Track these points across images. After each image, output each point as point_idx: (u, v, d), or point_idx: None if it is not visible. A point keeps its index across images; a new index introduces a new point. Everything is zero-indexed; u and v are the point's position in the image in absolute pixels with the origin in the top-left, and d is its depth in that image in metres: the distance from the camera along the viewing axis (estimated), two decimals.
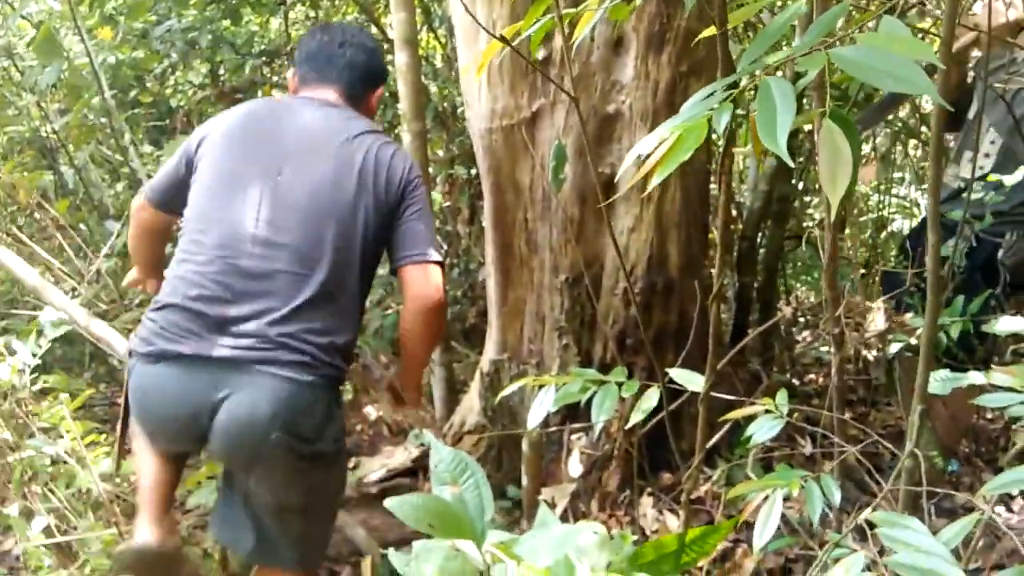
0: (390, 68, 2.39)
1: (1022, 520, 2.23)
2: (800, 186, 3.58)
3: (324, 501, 1.80)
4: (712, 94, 0.81)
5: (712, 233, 2.93)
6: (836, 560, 1.09)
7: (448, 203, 3.65)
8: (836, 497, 1.14)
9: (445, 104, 3.59)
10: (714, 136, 3.67)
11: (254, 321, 1.63)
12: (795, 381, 3.11)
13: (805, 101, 2.51)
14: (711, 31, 1.05)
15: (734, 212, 3.40)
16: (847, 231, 4.10)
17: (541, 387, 1.41)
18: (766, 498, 1.16)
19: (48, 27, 3.07)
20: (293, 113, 1.84)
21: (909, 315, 2.34)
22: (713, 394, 1.36)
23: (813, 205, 4.08)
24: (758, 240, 3.20)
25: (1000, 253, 2.37)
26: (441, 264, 1.82)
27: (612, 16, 1.10)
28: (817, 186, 4.12)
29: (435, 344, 2.01)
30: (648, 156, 0.79)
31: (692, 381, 1.34)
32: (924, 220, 2.86)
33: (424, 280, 1.78)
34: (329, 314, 1.69)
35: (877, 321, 2.19)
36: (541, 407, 1.32)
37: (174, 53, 3.63)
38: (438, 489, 1.24)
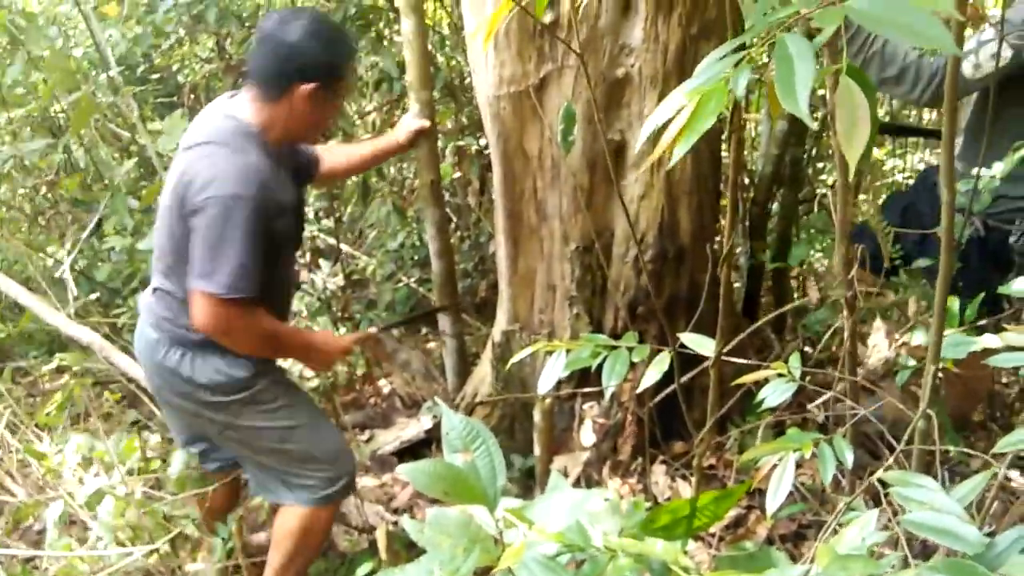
0: (396, 38, 2.36)
1: None
2: (813, 151, 3.53)
3: (252, 438, 2.04)
4: (725, 56, 0.79)
5: (724, 199, 2.90)
6: (848, 523, 1.09)
7: (458, 174, 3.63)
8: (849, 459, 1.13)
9: (453, 74, 3.55)
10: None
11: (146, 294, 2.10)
12: (807, 348, 3.10)
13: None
14: None
15: (746, 179, 3.36)
16: (861, 196, 4.05)
17: (551, 354, 1.41)
18: (778, 463, 1.15)
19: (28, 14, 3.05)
20: (203, 113, 2.00)
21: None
22: (724, 359, 1.35)
23: (826, 170, 4.03)
24: (770, 206, 3.16)
25: (1012, 239, 2.23)
26: (212, 296, 1.80)
27: None
28: (830, 151, 4.07)
29: (257, 348, 1.95)
30: (666, 125, 0.77)
31: (703, 346, 1.33)
32: (912, 187, 2.72)
33: (193, 306, 1.85)
34: (171, 301, 1.98)
35: (880, 347, 2.10)
36: (552, 372, 1.32)
37: (181, 28, 3.61)
38: (450, 456, 1.24)
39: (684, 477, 2.50)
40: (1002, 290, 1.62)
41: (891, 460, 1.00)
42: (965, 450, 1.01)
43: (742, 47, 0.80)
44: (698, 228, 2.49)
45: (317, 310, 3.58)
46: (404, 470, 1.10)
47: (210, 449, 2.23)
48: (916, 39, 0.69)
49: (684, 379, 1.43)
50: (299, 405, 2.09)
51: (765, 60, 0.92)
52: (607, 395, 2.33)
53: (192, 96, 3.68)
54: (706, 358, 1.41)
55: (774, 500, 1.14)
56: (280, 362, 2.25)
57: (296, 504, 2.08)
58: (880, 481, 0.96)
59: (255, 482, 2.18)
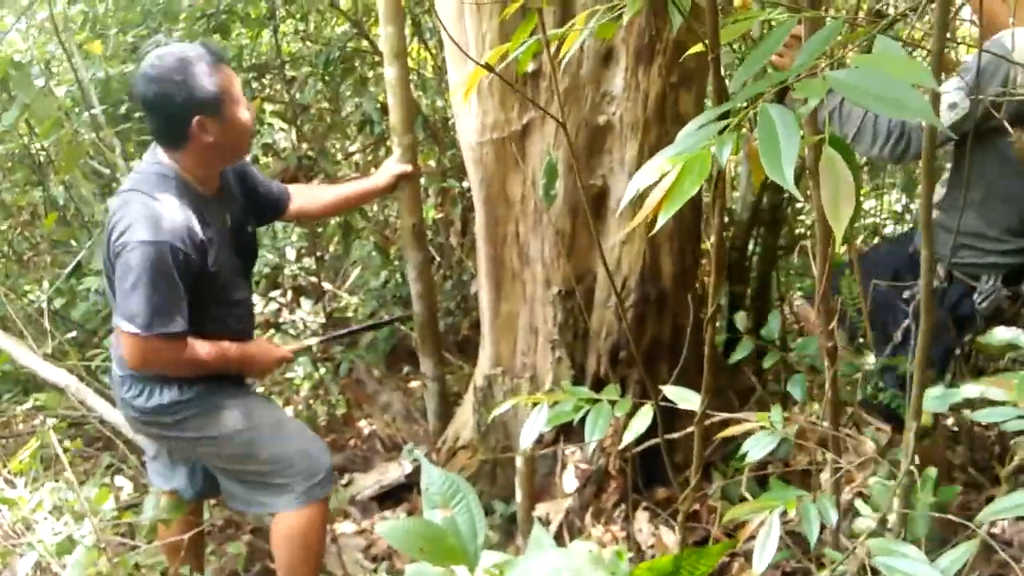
0: (379, 80, 2.37)
1: (1017, 531, 2.22)
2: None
3: (221, 447, 2.13)
4: (708, 122, 0.80)
5: (705, 244, 2.92)
6: None
7: (440, 215, 3.64)
8: (832, 518, 1.12)
9: (436, 116, 3.57)
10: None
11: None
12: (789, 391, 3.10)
13: None
14: (699, 47, 1.05)
15: (726, 219, 3.39)
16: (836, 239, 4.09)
17: (534, 404, 1.40)
18: (763, 520, 1.14)
19: (6, 59, 3.05)
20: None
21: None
22: (712, 414, 1.35)
23: (805, 211, 4.07)
24: (750, 248, 3.19)
25: (977, 299, 2.15)
26: (135, 335, 1.91)
27: (599, 35, 1.09)
28: (808, 192, 4.12)
29: (190, 372, 2.06)
30: (650, 188, 0.77)
31: (686, 399, 1.33)
32: (871, 250, 2.66)
33: (122, 345, 1.97)
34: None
35: (864, 446, 2.09)
36: (534, 427, 1.31)
37: None
38: (429, 512, 1.22)
39: (668, 524, 2.48)
40: (981, 340, 1.63)
41: (874, 525, 0.99)
42: (944, 515, 1.01)
43: (726, 114, 0.81)
44: (680, 272, 2.50)
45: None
46: (380, 529, 1.08)
47: (190, 473, 2.30)
48: (897, 111, 0.69)
49: (668, 435, 1.42)
50: (257, 409, 2.17)
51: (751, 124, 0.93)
52: (593, 442, 2.31)
53: None
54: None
55: (761, 560, 1.13)
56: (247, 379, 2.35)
57: (285, 509, 2.14)
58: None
59: (241, 500, 2.23)
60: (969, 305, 2.16)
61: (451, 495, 1.26)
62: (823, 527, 1.97)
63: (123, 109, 3.87)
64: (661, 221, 0.74)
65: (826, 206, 0.70)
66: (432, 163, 3.52)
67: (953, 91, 1.97)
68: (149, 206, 1.92)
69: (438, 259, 4.03)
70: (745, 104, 0.76)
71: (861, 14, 2.98)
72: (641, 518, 2.46)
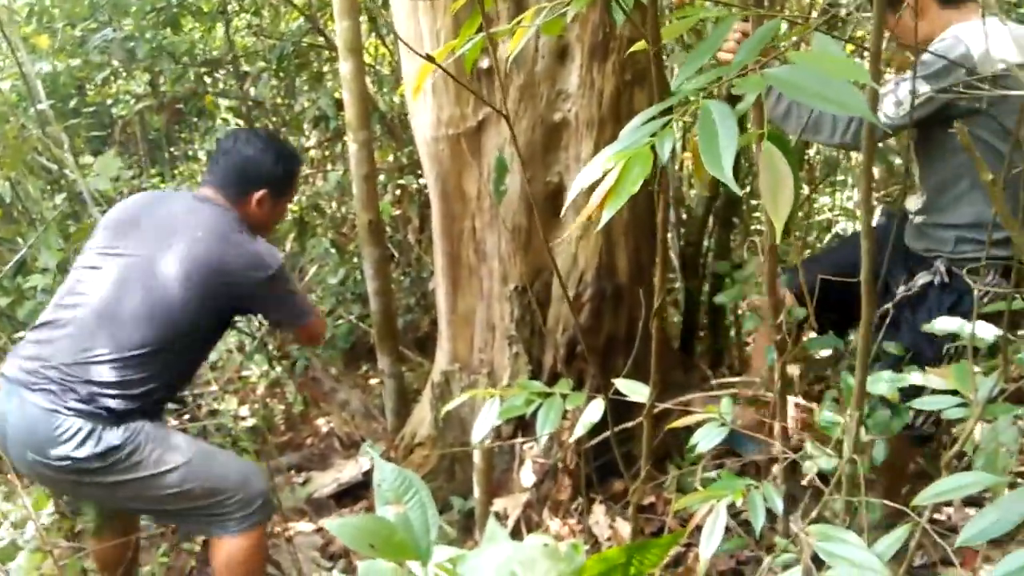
0: (335, 78, 2.37)
1: (961, 517, 2.28)
2: (747, 190, 3.63)
3: (149, 489, 1.99)
4: (651, 119, 0.81)
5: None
6: (784, 567, 1.10)
7: (399, 212, 3.62)
8: (778, 505, 1.15)
9: (393, 112, 3.56)
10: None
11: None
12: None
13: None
14: (644, 45, 1.06)
15: (684, 216, 3.43)
16: (793, 234, 4.17)
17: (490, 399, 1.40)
18: (711, 509, 1.16)
19: None
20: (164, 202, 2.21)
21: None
22: (661, 401, 1.37)
23: (760, 207, 4.14)
24: (705, 244, 3.23)
25: (977, 296, 2.11)
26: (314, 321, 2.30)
27: (546, 32, 1.10)
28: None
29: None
30: (595, 185, 0.78)
31: (637, 392, 1.34)
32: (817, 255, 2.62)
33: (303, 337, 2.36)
34: (105, 370, 1.99)
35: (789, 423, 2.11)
36: (485, 422, 1.31)
37: (116, 61, 3.54)
38: (381, 509, 1.21)
39: (624, 516, 2.50)
40: (926, 328, 1.66)
41: (816, 512, 1.02)
42: (884, 501, 1.04)
43: (669, 110, 0.82)
44: (636, 268, 2.53)
45: (254, 349, 3.51)
46: (331, 526, 1.07)
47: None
48: (833, 107, 0.71)
49: (619, 428, 1.43)
50: (182, 445, 2.08)
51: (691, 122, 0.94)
52: (544, 436, 2.32)
53: (125, 130, 3.61)
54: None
55: (708, 546, 1.15)
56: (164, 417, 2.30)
57: (225, 536, 2.08)
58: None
59: (182, 532, 2.21)
60: (970, 302, 2.11)
61: (403, 491, 1.25)
62: (775, 518, 2.01)
63: (71, 104, 3.79)
64: (605, 217, 0.75)
65: (765, 198, 0.72)
66: (390, 159, 3.50)
67: (904, 88, 2.01)
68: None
69: (397, 256, 4.01)
70: (687, 100, 0.77)
71: (815, 13, 3.04)
72: (598, 511, 2.48)
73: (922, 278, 2.15)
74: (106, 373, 1.93)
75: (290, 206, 3.70)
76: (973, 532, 0.76)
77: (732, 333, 3.33)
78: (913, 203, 2.24)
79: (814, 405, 2.31)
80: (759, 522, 1.11)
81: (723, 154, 0.68)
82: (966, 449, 1.34)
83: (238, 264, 2.06)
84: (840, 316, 2.24)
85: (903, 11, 2.06)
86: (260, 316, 2.29)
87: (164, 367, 2.01)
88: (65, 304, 2.03)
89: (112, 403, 1.92)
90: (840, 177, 4.76)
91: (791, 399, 2.39)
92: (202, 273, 2.02)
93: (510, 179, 2.28)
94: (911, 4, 2.07)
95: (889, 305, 1.85)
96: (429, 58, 0.97)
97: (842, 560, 0.78)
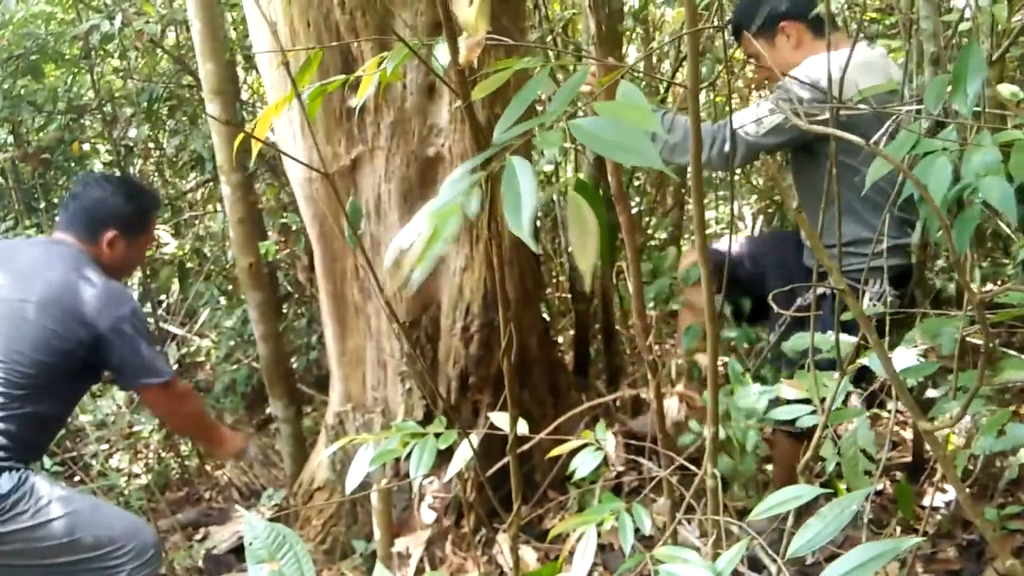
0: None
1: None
2: (640, 207, 3.73)
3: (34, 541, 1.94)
4: (463, 176, 0.83)
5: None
6: None
7: (286, 251, 3.56)
8: (647, 525, 1.18)
9: (272, 151, 3.50)
10: (547, 168, 3.72)
11: None
12: (644, 396, 3.21)
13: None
14: (487, 86, 1.08)
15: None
16: (681, 247, 4.30)
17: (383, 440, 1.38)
18: (583, 535, 1.18)
19: None
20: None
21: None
22: (533, 437, 1.38)
23: (651, 225, 4.26)
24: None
25: (867, 303, 2.09)
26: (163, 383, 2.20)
27: (383, 80, 1.11)
28: (653, 206, 4.31)
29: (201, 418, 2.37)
30: (407, 250, 0.78)
31: (506, 424, 1.35)
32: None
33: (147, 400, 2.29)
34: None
35: (672, 408, 2.19)
36: (359, 468, 1.30)
37: None
38: (254, 569, 1.19)
39: (529, 543, 2.51)
40: (786, 345, 1.75)
41: (668, 533, 1.05)
42: (735, 522, 1.08)
43: (488, 162, 0.84)
44: (522, 295, 2.56)
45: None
46: None
47: None
48: (627, 157, 0.74)
49: (498, 465, 1.44)
50: (68, 496, 2.04)
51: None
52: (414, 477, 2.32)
53: None
54: (537, 424, 1.44)
55: (580, 570, 1.17)
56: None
57: None
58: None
59: None
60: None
61: (277, 548, 1.23)
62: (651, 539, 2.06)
63: None
64: (416, 280, 0.75)
65: (573, 245, 0.75)
66: (270, 198, 3.44)
67: (764, 107, 2.13)
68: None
69: (293, 294, 3.93)
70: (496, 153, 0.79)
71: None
72: (502, 540, 2.48)
73: (819, 290, 2.25)
74: None
75: (172, 249, 3.61)
76: (800, 543, 0.80)
77: (627, 350, 3.41)
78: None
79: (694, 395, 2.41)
80: (628, 543, 1.14)
81: (523, 212, 0.70)
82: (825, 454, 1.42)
83: (91, 302, 2.06)
84: (750, 299, 2.44)
85: (776, 41, 2.23)
86: (115, 370, 2.17)
87: (33, 412, 2.01)
88: None
89: None
90: (723, 192, 4.95)
91: (679, 388, 2.48)
92: (55, 314, 2.03)
93: (388, 217, 2.28)
94: (788, 35, 2.23)
95: (788, 313, 1.95)
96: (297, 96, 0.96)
97: None
